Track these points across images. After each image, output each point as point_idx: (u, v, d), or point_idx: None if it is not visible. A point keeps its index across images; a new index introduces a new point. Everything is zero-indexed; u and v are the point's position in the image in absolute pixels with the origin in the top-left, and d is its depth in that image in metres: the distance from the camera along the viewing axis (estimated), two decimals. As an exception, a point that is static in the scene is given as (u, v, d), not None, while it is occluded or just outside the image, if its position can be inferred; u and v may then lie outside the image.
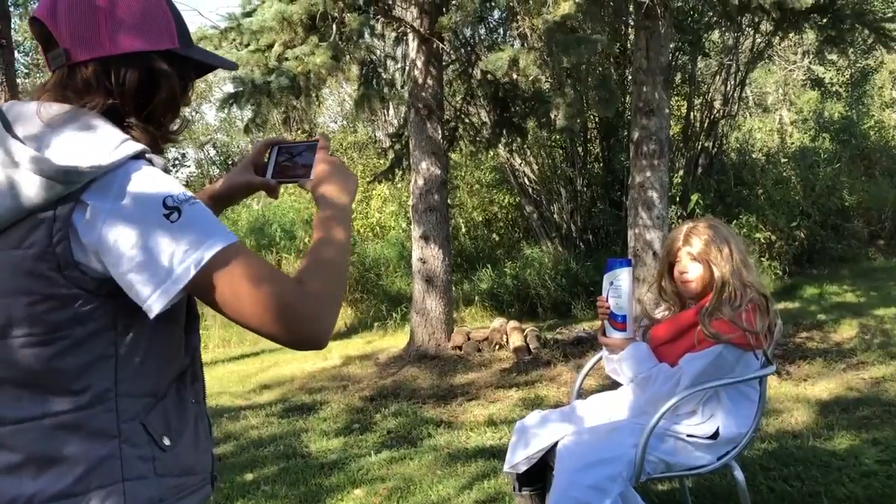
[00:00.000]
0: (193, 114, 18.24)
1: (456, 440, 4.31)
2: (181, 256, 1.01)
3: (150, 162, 1.07)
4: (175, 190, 1.04)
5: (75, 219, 1.01)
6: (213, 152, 17.83)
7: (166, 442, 1.12)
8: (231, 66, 1.27)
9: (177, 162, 17.40)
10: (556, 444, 2.54)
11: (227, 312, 1.05)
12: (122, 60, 1.09)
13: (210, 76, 17.28)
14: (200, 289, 1.03)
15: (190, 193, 1.06)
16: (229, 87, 7.76)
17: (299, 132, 13.97)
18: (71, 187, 1.00)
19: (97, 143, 1.04)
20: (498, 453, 3.85)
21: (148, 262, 1.00)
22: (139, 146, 1.06)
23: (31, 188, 1.00)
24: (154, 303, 1.01)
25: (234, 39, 6.04)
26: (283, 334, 1.05)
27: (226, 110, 6.98)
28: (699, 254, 2.50)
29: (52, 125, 1.05)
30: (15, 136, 1.03)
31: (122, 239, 1.00)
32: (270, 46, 5.71)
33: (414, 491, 3.51)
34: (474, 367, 6.18)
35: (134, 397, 1.09)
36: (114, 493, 1.06)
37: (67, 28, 1.07)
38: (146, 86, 1.11)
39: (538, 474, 2.69)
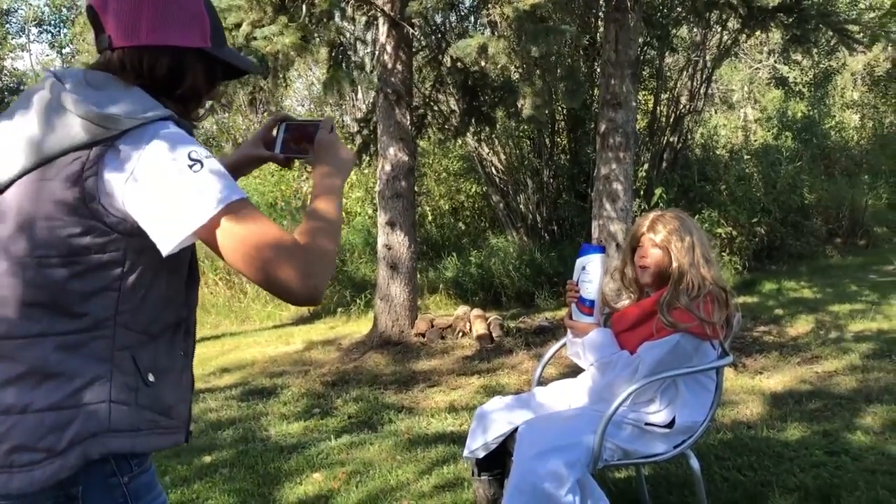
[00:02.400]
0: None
1: (416, 426, 4.32)
2: (198, 202, 1.14)
3: (178, 124, 1.22)
4: (198, 147, 1.18)
5: (107, 159, 1.15)
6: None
7: (151, 378, 1.23)
8: (259, 70, 1.43)
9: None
10: (515, 430, 2.56)
11: (229, 261, 1.19)
12: (155, 51, 1.25)
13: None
14: (209, 235, 1.16)
15: (210, 152, 1.20)
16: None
17: (265, 114, 13.81)
18: (108, 132, 1.15)
19: (134, 101, 1.20)
20: (458, 439, 3.87)
21: (168, 205, 1.14)
22: (169, 111, 1.22)
23: (75, 129, 1.15)
24: (168, 240, 1.15)
25: (200, 17, 5.94)
26: (278, 285, 1.18)
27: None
28: (661, 241, 2.53)
29: (95, 85, 1.22)
30: (66, 90, 1.19)
31: (147, 182, 1.14)
32: (238, 25, 5.62)
33: (373, 475, 3.51)
34: (437, 353, 6.19)
35: (130, 330, 1.21)
36: (100, 410, 1.18)
37: (113, 18, 1.23)
38: (173, 76, 1.27)
39: (497, 460, 2.71)
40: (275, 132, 1.57)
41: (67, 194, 1.15)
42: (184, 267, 1.30)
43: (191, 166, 1.15)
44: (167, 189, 1.14)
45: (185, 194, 1.14)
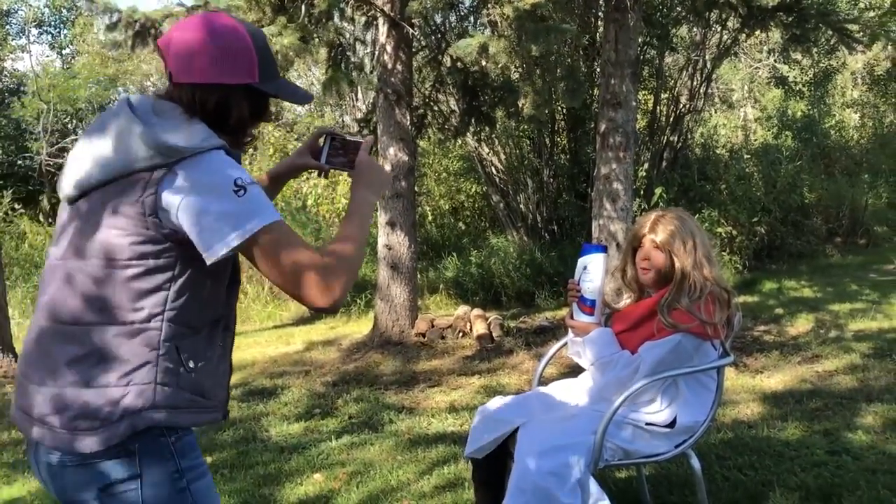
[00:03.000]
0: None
1: (417, 426, 4.32)
2: (239, 223, 1.36)
3: (228, 153, 1.44)
4: (243, 174, 1.40)
5: (166, 181, 1.37)
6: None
7: (191, 365, 1.46)
8: (305, 100, 1.61)
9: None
10: (516, 430, 2.56)
11: (262, 272, 1.43)
12: (206, 88, 1.45)
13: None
14: (247, 250, 1.39)
15: (254, 178, 1.42)
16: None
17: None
18: (169, 159, 1.37)
19: (193, 132, 1.41)
20: (458, 439, 3.87)
21: (215, 222, 1.35)
22: (221, 141, 1.43)
23: (141, 154, 1.37)
24: (213, 252, 1.37)
25: (200, 18, 5.94)
26: (302, 297, 1.42)
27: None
28: (662, 243, 2.53)
29: (161, 114, 1.43)
30: (137, 118, 1.41)
31: (199, 202, 1.36)
32: (238, 26, 5.62)
33: (374, 476, 3.51)
34: (437, 354, 6.18)
35: (175, 324, 1.43)
36: (147, 390, 1.41)
37: (173, 60, 1.46)
38: (221, 110, 1.48)
39: (498, 460, 2.71)
40: (321, 142, 1.77)
41: (131, 209, 1.38)
42: (225, 273, 1.51)
43: (236, 191, 1.37)
44: (214, 209, 1.36)
45: (230, 215, 1.36)
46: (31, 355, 1.48)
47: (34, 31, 18.30)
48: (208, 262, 1.38)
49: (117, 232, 1.39)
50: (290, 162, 1.81)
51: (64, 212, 1.50)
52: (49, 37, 19.06)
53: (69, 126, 15.48)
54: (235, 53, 1.47)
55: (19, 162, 14.50)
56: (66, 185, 1.47)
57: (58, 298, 1.44)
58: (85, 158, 1.44)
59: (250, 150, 12.38)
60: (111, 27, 6.18)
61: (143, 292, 1.40)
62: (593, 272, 2.54)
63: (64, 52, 18.75)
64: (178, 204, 1.36)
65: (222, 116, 1.48)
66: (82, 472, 1.42)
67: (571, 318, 2.63)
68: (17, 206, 11.82)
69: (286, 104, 16.46)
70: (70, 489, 1.45)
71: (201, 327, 1.48)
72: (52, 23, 18.92)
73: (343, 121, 14.40)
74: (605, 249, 2.61)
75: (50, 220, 11.88)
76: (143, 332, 1.41)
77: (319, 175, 1.79)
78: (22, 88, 15.80)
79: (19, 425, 1.50)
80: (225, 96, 1.47)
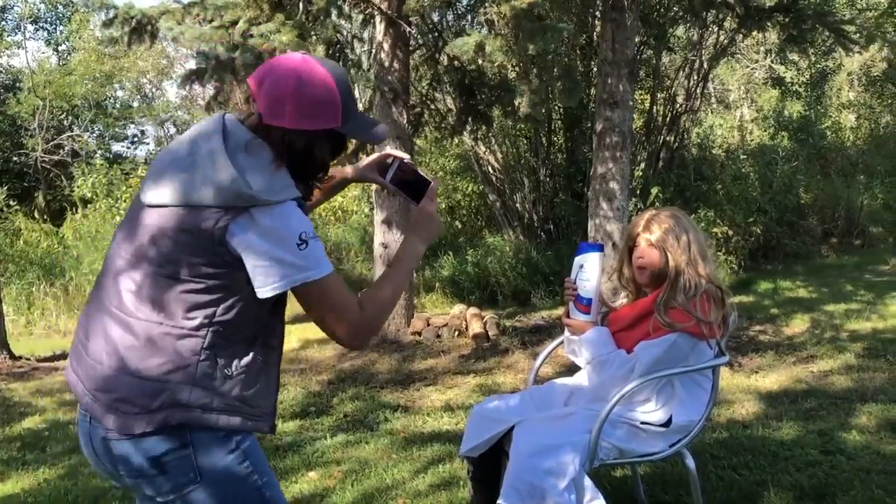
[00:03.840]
0: (154, 90, 17.90)
1: (412, 425, 4.32)
2: (294, 272, 1.53)
3: (300, 206, 1.57)
4: (308, 228, 1.55)
5: (238, 220, 1.50)
6: (173, 130, 17.51)
7: (227, 372, 1.58)
8: (381, 138, 1.71)
9: (136, 138, 17.05)
10: (511, 428, 2.56)
11: (305, 310, 1.61)
12: (294, 133, 1.57)
13: (171, 52, 16.97)
14: (298, 295, 1.58)
15: (315, 233, 1.57)
16: (192, 64, 7.61)
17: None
18: (247, 204, 1.49)
19: (274, 181, 1.53)
20: (454, 438, 3.86)
21: (274, 267, 1.52)
22: (297, 193, 1.56)
23: (222, 193, 1.49)
24: (266, 291, 1.54)
25: (197, 15, 5.92)
26: (338, 339, 1.64)
27: (187, 87, 6.86)
28: (657, 241, 2.53)
29: (252, 153, 1.55)
30: (227, 152, 1.52)
31: (264, 246, 1.51)
32: (235, 23, 5.61)
33: (369, 474, 3.50)
34: (433, 353, 6.18)
35: (218, 335, 1.56)
36: (185, 387, 1.54)
37: (264, 101, 1.57)
38: (307, 152, 1.60)
39: (493, 459, 2.71)
40: (389, 161, 1.91)
41: (202, 234, 1.50)
42: (269, 302, 1.61)
43: (299, 245, 1.52)
44: (276, 256, 1.51)
45: (288, 265, 1.52)
46: (91, 328, 1.61)
47: (30, 27, 18.25)
48: (260, 297, 1.55)
49: (184, 249, 1.52)
50: (360, 172, 1.96)
51: (142, 212, 1.59)
52: (45, 33, 19.01)
53: (65, 123, 15.44)
54: (322, 102, 1.58)
55: (14, 158, 14.46)
56: (145, 192, 1.59)
57: (122, 287, 1.57)
58: (167, 176, 1.56)
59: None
60: (107, 23, 6.16)
61: (196, 304, 1.54)
62: (590, 271, 2.54)
63: (60, 48, 18.70)
64: (245, 242, 1.51)
65: (307, 158, 1.61)
66: (130, 443, 1.55)
67: (568, 316, 2.63)
68: (12, 202, 11.79)
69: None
70: (119, 459, 1.58)
71: (239, 341, 1.60)
72: (49, 19, 18.86)
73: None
74: (601, 248, 2.61)
75: (45, 216, 11.86)
76: (189, 338, 1.54)
77: (382, 191, 1.95)
78: (17, 85, 15.75)
79: (72, 387, 1.64)
80: (312, 140, 1.59)
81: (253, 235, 1.50)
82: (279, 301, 1.66)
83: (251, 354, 1.62)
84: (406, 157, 1.92)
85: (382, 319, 1.68)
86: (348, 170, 1.99)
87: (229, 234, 1.50)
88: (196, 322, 1.54)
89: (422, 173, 1.89)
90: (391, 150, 1.98)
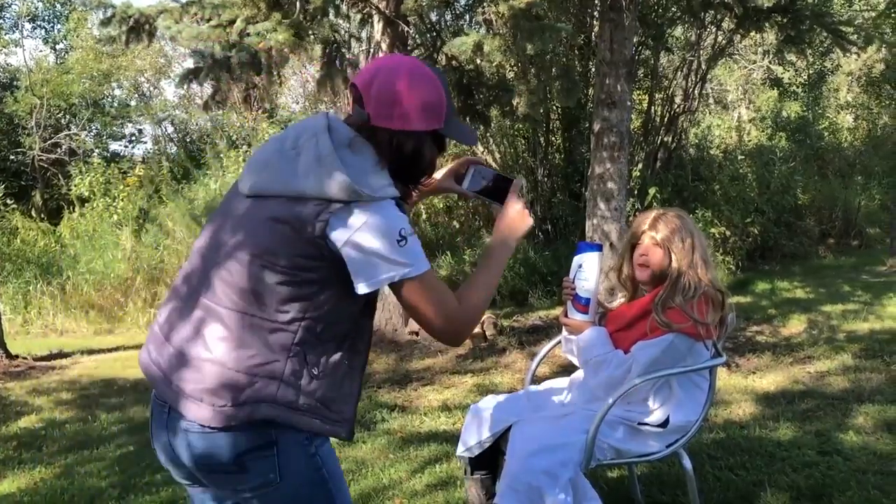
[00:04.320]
0: (152, 89, 17.85)
1: (409, 424, 4.31)
2: (394, 267, 1.53)
3: (399, 206, 1.57)
4: (407, 226, 1.55)
5: (339, 214, 1.51)
6: (170, 129, 17.48)
7: (314, 371, 1.57)
8: (473, 141, 1.74)
9: (133, 137, 17.02)
10: (508, 428, 2.56)
11: (404, 307, 1.60)
12: (403, 134, 1.59)
13: (169, 51, 16.94)
14: (397, 291, 1.57)
15: (413, 230, 1.57)
16: (189, 63, 7.60)
17: (260, 111, 13.77)
18: (350, 199, 1.50)
19: (376, 179, 1.54)
20: (451, 438, 3.86)
21: (374, 262, 1.52)
22: (396, 192, 1.57)
23: (326, 186, 1.50)
24: (365, 287, 1.54)
25: (195, 14, 5.90)
26: (438, 335, 1.64)
27: (185, 86, 6.84)
28: (663, 240, 2.53)
29: (356, 151, 1.56)
30: (333, 150, 1.53)
31: (365, 241, 1.51)
32: (232, 22, 5.59)
33: (366, 474, 3.50)
34: (430, 352, 6.18)
35: (308, 332, 1.55)
36: (272, 384, 1.52)
37: (374, 103, 1.58)
38: (416, 154, 1.62)
39: (490, 458, 2.71)
40: (464, 170, 1.94)
41: (302, 226, 1.51)
42: (361, 300, 1.62)
43: (399, 241, 1.52)
44: (376, 251, 1.51)
45: (388, 260, 1.52)
46: (178, 318, 1.60)
47: (28, 26, 18.20)
48: (358, 293, 1.55)
49: (282, 241, 1.52)
50: (438, 182, 1.97)
51: (240, 202, 1.62)
52: (43, 31, 18.96)
53: (62, 121, 15.41)
54: (432, 104, 1.61)
55: (11, 157, 14.43)
56: (245, 183, 1.61)
57: (219, 282, 1.57)
58: (270, 166, 1.58)
59: (244, 147, 12.36)
60: (105, 22, 6.15)
61: (290, 297, 1.53)
62: (588, 270, 2.53)
63: (57, 46, 18.65)
64: (345, 236, 1.51)
65: (416, 160, 1.63)
66: (214, 438, 1.53)
67: (566, 315, 2.63)
68: (9, 201, 11.76)
69: (280, 101, 16.43)
70: (198, 454, 1.55)
71: (328, 340, 1.59)
72: (46, 17, 18.81)
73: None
74: (600, 248, 2.61)
75: (42, 215, 11.83)
76: (280, 332, 1.53)
77: (461, 199, 1.95)
78: (15, 83, 15.72)
79: (148, 376, 1.63)
80: (419, 142, 1.62)
81: (353, 231, 1.51)
82: (369, 302, 1.66)
83: (339, 355, 1.61)
84: (481, 161, 1.91)
85: (479, 314, 1.68)
86: (431, 180, 1.97)
87: (329, 228, 1.51)
88: (289, 316, 1.53)
89: (501, 174, 1.89)
90: (468, 157, 2.00)
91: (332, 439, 1.68)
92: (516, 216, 1.80)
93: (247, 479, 1.55)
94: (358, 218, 1.51)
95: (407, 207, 1.68)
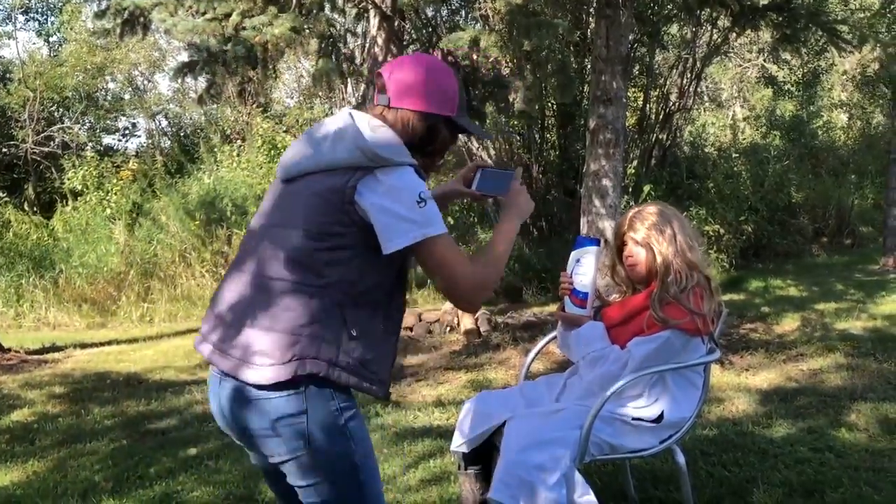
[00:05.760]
0: (146, 82, 17.78)
1: (403, 420, 4.31)
2: (415, 227, 1.67)
3: (418, 173, 1.73)
4: (426, 190, 1.70)
5: (366, 179, 1.68)
6: (164, 123, 17.43)
7: (353, 332, 1.70)
8: (487, 135, 1.90)
9: (127, 131, 16.94)
10: (502, 424, 2.56)
11: (425, 270, 1.76)
12: (418, 115, 1.79)
13: (164, 44, 16.87)
14: (416, 252, 1.71)
15: (430, 194, 1.72)
16: (184, 57, 7.57)
17: (255, 106, 13.74)
18: (373, 163, 1.68)
19: (396, 149, 1.72)
20: (445, 433, 3.86)
21: (397, 223, 1.66)
22: (415, 161, 1.74)
23: (352, 155, 1.69)
24: (390, 246, 1.67)
25: (190, 7, 5.88)
26: (455, 298, 1.79)
27: (179, 80, 6.82)
28: (642, 239, 2.54)
29: (374, 129, 1.73)
30: (357, 126, 1.72)
31: (388, 203, 1.66)
32: (228, 15, 5.57)
33: (359, 469, 3.49)
34: (424, 348, 6.18)
35: (345, 294, 1.70)
36: (314, 342, 1.67)
37: (394, 86, 1.80)
38: (429, 134, 1.81)
39: (484, 454, 2.70)
40: (473, 174, 2.09)
41: (333, 195, 1.68)
42: (393, 265, 1.76)
43: (419, 202, 1.68)
44: (399, 212, 1.66)
45: (410, 220, 1.67)
46: (228, 291, 1.78)
47: (21, 18, 18.11)
48: (384, 252, 1.68)
49: (317, 212, 1.69)
50: (448, 188, 2.14)
51: (279, 187, 1.82)
52: (36, 24, 18.86)
53: (55, 114, 15.34)
54: (447, 91, 1.81)
55: (4, 150, 14.36)
56: (281, 171, 1.82)
57: (263, 257, 1.73)
58: (302, 149, 1.78)
59: (239, 142, 12.33)
60: (100, 15, 6.12)
61: (328, 262, 1.68)
62: (586, 265, 2.54)
63: (51, 39, 18.56)
64: (371, 200, 1.66)
65: (428, 140, 1.81)
66: (255, 403, 1.68)
67: (563, 310, 2.63)
68: (1, 194, 11.70)
69: (274, 96, 16.40)
70: (243, 417, 1.71)
71: (364, 303, 1.73)
72: (40, 10, 18.72)
73: (333, 113, 14.32)
74: (598, 243, 2.61)
75: (35, 208, 11.78)
76: (320, 296, 1.68)
77: (473, 201, 2.16)
78: (8, 76, 15.64)
79: (206, 356, 1.77)
80: (434, 123, 1.80)
81: (378, 193, 1.66)
82: (402, 270, 1.80)
83: (375, 320, 1.75)
84: (488, 163, 2.05)
85: (493, 280, 1.80)
86: (436, 191, 2.11)
87: (357, 194, 1.66)
88: (326, 280, 1.68)
89: (502, 169, 2.08)
90: (476, 162, 2.16)
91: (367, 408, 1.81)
92: (520, 199, 1.97)
93: (282, 444, 1.68)
94: (381, 182, 1.67)
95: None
